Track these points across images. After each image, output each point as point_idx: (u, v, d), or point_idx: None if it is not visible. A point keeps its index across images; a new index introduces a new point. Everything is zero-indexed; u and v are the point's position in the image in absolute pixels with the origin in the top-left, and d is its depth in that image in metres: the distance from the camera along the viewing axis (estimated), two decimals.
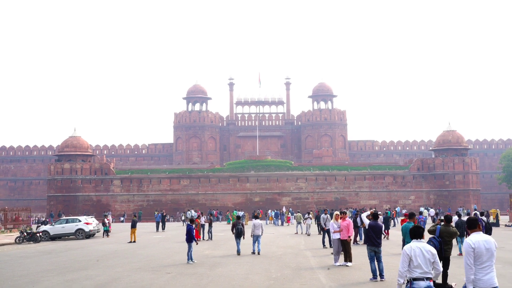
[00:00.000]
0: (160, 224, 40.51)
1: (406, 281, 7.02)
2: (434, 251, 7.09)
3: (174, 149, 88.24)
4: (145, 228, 44.92)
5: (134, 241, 28.52)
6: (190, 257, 18.10)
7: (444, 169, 67.14)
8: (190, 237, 18.37)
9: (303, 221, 35.23)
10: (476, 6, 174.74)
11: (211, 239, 29.61)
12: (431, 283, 6.95)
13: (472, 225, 7.28)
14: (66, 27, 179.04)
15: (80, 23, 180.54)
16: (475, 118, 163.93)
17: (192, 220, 19.92)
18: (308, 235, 31.57)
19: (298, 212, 43.32)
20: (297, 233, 34.38)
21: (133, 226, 29.18)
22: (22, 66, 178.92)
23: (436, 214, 31.71)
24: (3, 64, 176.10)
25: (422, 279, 6.90)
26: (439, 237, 11.81)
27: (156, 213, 59.87)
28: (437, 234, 11.81)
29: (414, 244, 7.10)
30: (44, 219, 52.77)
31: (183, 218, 54.23)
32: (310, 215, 33.12)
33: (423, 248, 7.01)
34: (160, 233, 37.55)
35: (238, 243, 20.89)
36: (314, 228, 36.72)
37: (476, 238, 7.04)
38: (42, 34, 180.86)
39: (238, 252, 20.60)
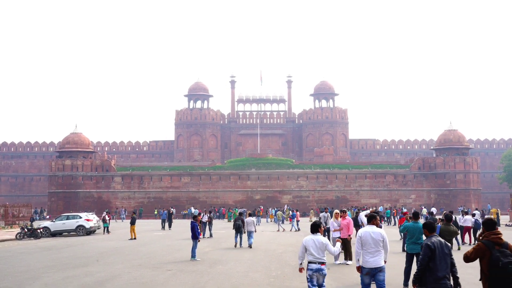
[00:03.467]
0: (166, 222, 38.90)
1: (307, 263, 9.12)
2: (325, 241, 9.06)
3: (175, 146, 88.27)
4: (149, 225, 44.85)
5: (135, 238, 28.58)
6: (193, 255, 18.13)
7: (445, 168, 67.10)
8: (195, 234, 18.39)
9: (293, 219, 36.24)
10: (477, 6, 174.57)
11: (211, 236, 29.67)
12: (323, 266, 9.02)
13: (369, 220, 9.43)
14: (67, 24, 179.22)
15: (81, 21, 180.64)
16: (476, 117, 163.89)
17: (195, 217, 19.97)
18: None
19: (279, 210, 43.65)
20: (278, 230, 34.78)
21: (133, 223, 29.27)
22: (23, 62, 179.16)
23: (430, 213, 31.80)
24: (4, 61, 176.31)
25: (314, 262, 9.01)
26: (440, 235, 11.80)
27: (156, 210, 59.86)
28: (437, 233, 11.81)
29: (309, 236, 9.16)
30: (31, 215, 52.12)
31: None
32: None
33: (316, 239, 9.06)
34: (164, 231, 36.90)
35: (236, 237, 23.26)
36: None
37: (365, 230, 9.16)
38: (43, 31, 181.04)
39: (237, 245, 22.96)
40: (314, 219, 50.77)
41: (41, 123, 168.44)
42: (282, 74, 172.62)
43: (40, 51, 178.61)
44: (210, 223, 30.44)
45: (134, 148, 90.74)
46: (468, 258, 6.96)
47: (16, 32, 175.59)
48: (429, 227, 7.99)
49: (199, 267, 16.13)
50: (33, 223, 38.42)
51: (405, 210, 36.92)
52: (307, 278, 9.08)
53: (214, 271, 15.37)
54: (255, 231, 23.83)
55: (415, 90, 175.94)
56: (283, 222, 39.33)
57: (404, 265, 12.30)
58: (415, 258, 12.03)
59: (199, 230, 19.51)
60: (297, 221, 36.38)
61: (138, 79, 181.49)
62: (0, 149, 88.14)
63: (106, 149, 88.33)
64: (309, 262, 9.07)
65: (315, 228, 9.25)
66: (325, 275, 9.13)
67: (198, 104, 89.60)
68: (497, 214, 39.57)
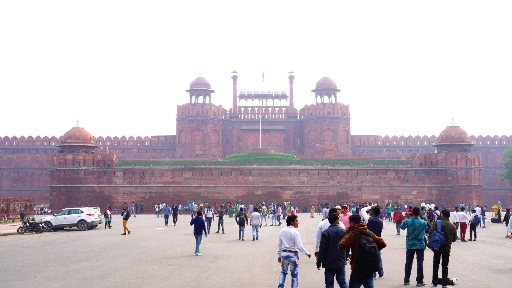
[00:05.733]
0: (171, 217, 37.92)
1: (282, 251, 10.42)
2: (294, 233, 10.25)
3: (177, 141, 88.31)
4: (150, 220, 44.78)
5: (129, 232, 28.29)
6: (198, 249, 18.16)
7: (447, 165, 67.06)
8: (200, 230, 18.30)
9: (268, 214, 37.50)
10: (480, 3, 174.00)
11: (218, 232, 29.13)
12: (291, 254, 10.24)
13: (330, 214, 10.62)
14: (69, 19, 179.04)
15: (84, 16, 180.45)
16: (478, 114, 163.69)
17: (199, 213, 19.92)
18: None
19: (263, 205, 44.02)
20: (261, 225, 34.94)
21: (126, 218, 29.15)
22: (26, 57, 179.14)
23: (422, 208, 31.72)
24: (7, 57, 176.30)
25: (285, 250, 10.29)
26: (442, 230, 11.72)
27: (156, 206, 59.55)
28: (440, 228, 11.72)
29: (284, 228, 10.50)
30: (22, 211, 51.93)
31: (156, 210, 55.39)
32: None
33: (287, 231, 10.34)
34: (167, 226, 36.00)
35: (240, 230, 24.66)
36: (311, 222, 36.80)
37: (326, 222, 10.59)
38: (45, 26, 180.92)
39: (240, 237, 24.31)
40: (315, 215, 50.87)
41: (43, 118, 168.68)
42: (284, 69, 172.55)
43: (42, 46, 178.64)
44: (221, 218, 29.45)
45: (135, 143, 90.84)
46: (343, 245, 8.64)
47: (18, 28, 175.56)
48: (331, 219, 9.67)
49: (200, 262, 16.15)
50: (24, 218, 38.50)
51: (406, 207, 36.91)
52: (281, 264, 10.52)
53: (215, 266, 15.39)
54: (261, 225, 25.68)
55: (417, 86, 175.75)
56: (279, 218, 39.53)
57: (405, 262, 12.28)
58: (415, 254, 12.01)
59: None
60: (278, 216, 37.91)
61: (140, 74, 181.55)
62: (2, 144, 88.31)
63: (108, 144, 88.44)
64: (282, 250, 10.36)
65: (288, 221, 10.60)
66: (294, 262, 10.25)
67: (200, 99, 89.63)
68: (499, 211, 39.61)
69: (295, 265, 10.27)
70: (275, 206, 39.68)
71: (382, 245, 8.79)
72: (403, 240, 20.95)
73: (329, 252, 9.26)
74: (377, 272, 13.10)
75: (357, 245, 8.49)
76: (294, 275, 10.30)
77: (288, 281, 10.83)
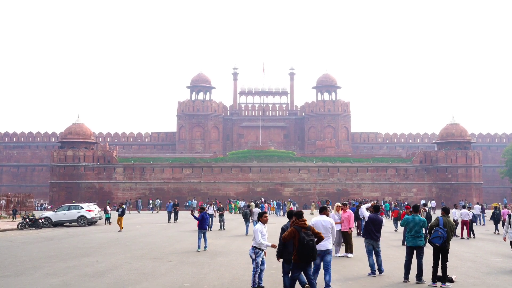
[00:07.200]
0: (173, 214, 37.14)
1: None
2: (254, 228, 11.07)
3: (177, 138, 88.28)
4: (151, 217, 44.75)
5: (121, 230, 28.17)
6: (200, 245, 18.22)
7: (447, 162, 67.04)
8: (206, 225, 18.45)
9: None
10: (480, 2, 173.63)
11: (223, 229, 28.88)
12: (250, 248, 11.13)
13: (320, 211, 11.63)
14: (70, 15, 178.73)
15: (84, 12, 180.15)
16: (479, 111, 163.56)
17: (203, 208, 19.93)
18: None
19: (252, 202, 43.75)
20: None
21: (121, 215, 29.14)
22: (26, 53, 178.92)
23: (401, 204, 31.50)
24: (8, 53, 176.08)
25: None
26: (444, 227, 11.69)
27: (150, 201, 59.10)
28: (442, 224, 11.70)
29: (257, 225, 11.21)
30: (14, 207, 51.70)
31: (151, 206, 55.34)
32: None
33: (259, 227, 11.06)
34: (169, 223, 35.62)
35: (246, 226, 25.33)
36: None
37: (317, 219, 11.29)
38: (45, 22, 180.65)
39: (246, 233, 24.74)
40: (315, 212, 50.86)
41: (44, 114, 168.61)
42: (285, 66, 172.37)
43: (43, 42, 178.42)
44: (221, 215, 29.23)
45: (136, 139, 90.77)
46: (285, 238, 9.68)
47: (19, 25, 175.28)
48: (288, 215, 10.76)
49: (200, 259, 16.15)
50: (16, 214, 38.44)
51: (406, 204, 36.89)
52: None
53: (215, 262, 15.39)
54: None
55: (417, 83, 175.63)
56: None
57: (405, 259, 12.26)
58: (415, 252, 11.99)
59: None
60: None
61: (140, 71, 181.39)
62: (2, 139, 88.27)
63: (108, 140, 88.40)
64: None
65: (259, 218, 11.39)
66: (250, 256, 11.07)
67: (201, 95, 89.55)
68: (499, 208, 39.55)
69: (251, 258, 11.00)
70: (262, 204, 39.51)
71: (320, 238, 9.84)
72: (401, 237, 21.04)
73: (288, 244, 10.08)
74: (377, 269, 13.11)
75: (297, 238, 9.51)
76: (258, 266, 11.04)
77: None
